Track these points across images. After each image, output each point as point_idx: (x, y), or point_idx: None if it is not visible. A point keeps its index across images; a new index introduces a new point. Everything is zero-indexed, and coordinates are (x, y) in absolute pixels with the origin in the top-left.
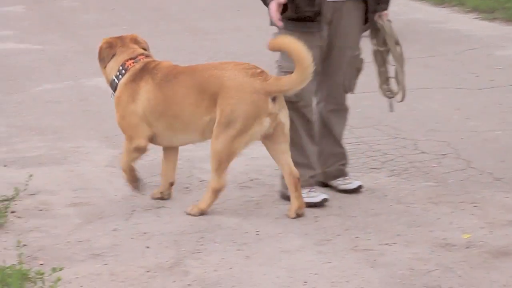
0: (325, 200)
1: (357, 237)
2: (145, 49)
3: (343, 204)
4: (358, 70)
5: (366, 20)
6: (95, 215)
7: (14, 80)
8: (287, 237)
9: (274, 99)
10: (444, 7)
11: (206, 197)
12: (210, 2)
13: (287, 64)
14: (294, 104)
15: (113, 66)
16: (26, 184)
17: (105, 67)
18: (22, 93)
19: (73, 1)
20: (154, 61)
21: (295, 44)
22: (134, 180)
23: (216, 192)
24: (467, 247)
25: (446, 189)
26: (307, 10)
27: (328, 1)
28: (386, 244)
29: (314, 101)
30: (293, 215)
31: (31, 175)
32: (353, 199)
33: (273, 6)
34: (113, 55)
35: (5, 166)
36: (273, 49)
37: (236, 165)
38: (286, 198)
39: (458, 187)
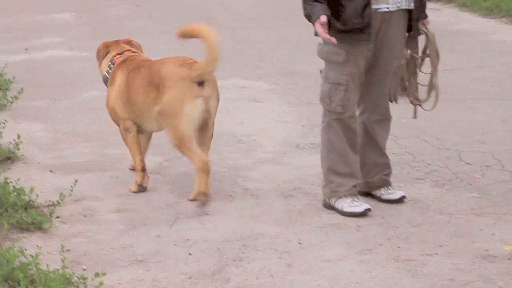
0: (367, 210)
1: (399, 247)
2: (137, 49)
3: (386, 214)
4: (402, 79)
5: (408, 29)
6: (138, 221)
7: (62, 86)
8: (329, 246)
9: (201, 84)
10: (492, 18)
11: (199, 180)
12: (258, 11)
13: (334, 75)
14: (340, 115)
15: (105, 63)
16: (72, 190)
17: (100, 65)
18: (69, 100)
19: (122, 9)
20: (135, 54)
21: (206, 31)
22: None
23: (204, 169)
24: (509, 259)
25: (489, 201)
26: (357, 22)
27: (377, 12)
28: (428, 254)
29: (357, 111)
30: (191, 197)
31: (76, 181)
32: (395, 209)
33: (319, 28)
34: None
35: (51, 171)
36: (184, 36)
37: (280, 174)
38: (329, 207)
39: (501, 199)
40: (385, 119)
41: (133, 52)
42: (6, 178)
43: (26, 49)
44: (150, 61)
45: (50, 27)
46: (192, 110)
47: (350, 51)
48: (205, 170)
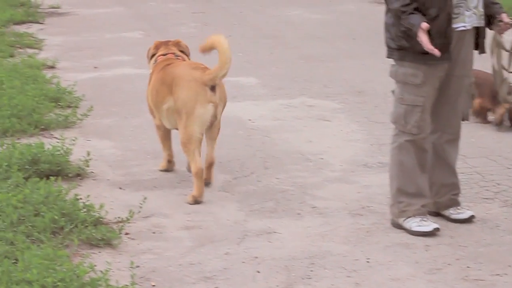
0: (436, 229)
1: (468, 267)
2: (183, 52)
3: (455, 233)
4: (472, 97)
5: (475, 46)
6: (207, 238)
7: (131, 104)
8: (397, 265)
9: (213, 89)
10: None
11: (195, 185)
12: (326, 30)
13: (411, 97)
14: (414, 137)
15: (152, 62)
16: (141, 207)
17: (149, 63)
18: (138, 118)
19: (190, 28)
20: (174, 57)
21: (219, 40)
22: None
23: (198, 175)
24: None
25: None
26: (440, 42)
27: (455, 31)
28: (497, 274)
29: None
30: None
31: (145, 198)
32: (464, 229)
33: (423, 37)
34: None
35: (120, 188)
36: (203, 50)
37: (348, 192)
38: (398, 226)
39: None
40: (456, 138)
41: (176, 55)
42: (76, 195)
43: (96, 67)
44: (170, 65)
45: (119, 46)
46: (204, 114)
47: (428, 73)
48: (199, 176)
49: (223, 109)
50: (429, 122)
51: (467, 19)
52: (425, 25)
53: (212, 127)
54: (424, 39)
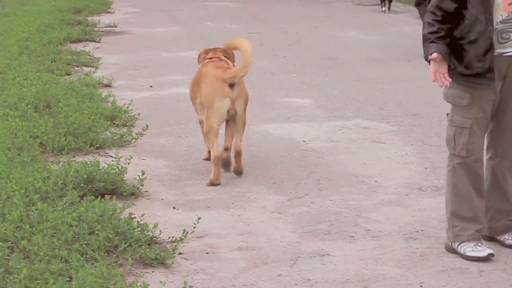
0: (491, 254)
1: None
2: (228, 57)
3: (509, 259)
4: None
5: None
6: (260, 259)
7: (186, 124)
8: None
9: (231, 86)
10: None
11: (212, 170)
12: (381, 52)
13: (459, 119)
14: (464, 159)
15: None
16: (194, 227)
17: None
18: (193, 137)
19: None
20: (218, 61)
21: (244, 43)
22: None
23: (215, 161)
24: None
25: None
26: (478, 66)
27: (503, 56)
28: None
29: (485, 156)
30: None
31: (199, 218)
32: None
33: (432, 66)
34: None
35: (174, 208)
36: (228, 46)
37: (402, 216)
38: (452, 251)
39: None
40: None
41: (220, 59)
42: (130, 214)
43: (151, 86)
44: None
45: (175, 65)
46: (221, 108)
47: (474, 95)
48: (216, 162)
49: (244, 105)
50: (480, 146)
51: None
52: (434, 55)
53: (236, 120)
54: (432, 69)
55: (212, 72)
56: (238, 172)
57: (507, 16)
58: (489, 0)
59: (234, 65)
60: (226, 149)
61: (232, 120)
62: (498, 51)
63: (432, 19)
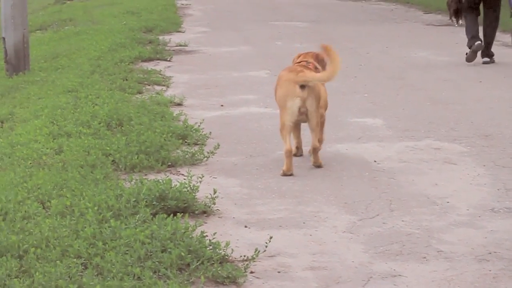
0: None
1: None
2: (319, 62)
3: None
4: None
5: None
6: (332, 279)
7: (257, 143)
8: None
9: (302, 87)
10: None
11: (284, 162)
12: (452, 72)
13: None
14: None
15: None
16: (266, 246)
17: None
18: (264, 156)
19: None
20: (306, 64)
21: (335, 55)
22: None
23: (287, 154)
24: None
25: None
26: None
27: None
28: None
29: None
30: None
31: (271, 237)
32: None
33: None
34: None
35: (245, 227)
36: (324, 50)
37: (475, 237)
38: None
39: None
40: None
41: (308, 62)
42: (202, 232)
43: (222, 105)
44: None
45: (245, 84)
46: (291, 105)
47: None
48: (288, 155)
49: (316, 104)
50: None
51: None
52: None
53: (310, 119)
54: None
55: (285, 76)
56: (317, 166)
57: None
58: None
59: (322, 69)
60: (297, 147)
61: (307, 119)
62: None
63: None
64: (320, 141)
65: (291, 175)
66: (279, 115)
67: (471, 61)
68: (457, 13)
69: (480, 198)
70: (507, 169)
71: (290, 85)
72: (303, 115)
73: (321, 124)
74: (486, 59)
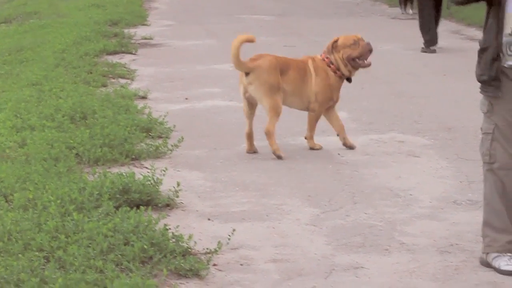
0: None
1: None
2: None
3: None
4: None
5: None
6: (294, 272)
7: (221, 136)
8: None
9: (246, 74)
10: None
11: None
12: (417, 66)
13: (484, 125)
14: (490, 166)
15: None
16: (229, 239)
17: None
18: (228, 149)
19: None
20: (316, 57)
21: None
22: None
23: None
24: None
25: None
26: (484, 74)
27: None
28: None
29: None
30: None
31: (234, 230)
32: None
33: None
34: None
35: (209, 219)
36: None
37: (437, 229)
38: (486, 265)
39: None
40: None
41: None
42: (165, 225)
43: (187, 99)
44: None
45: (210, 77)
46: (240, 91)
47: (493, 103)
48: (245, 137)
49: (258, 90)
50: (505, 154)
51: None
52: None
53: (253, 107)
54: None
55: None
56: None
57: None
58: (502, 10)
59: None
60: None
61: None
62: (508, 63)
63: None
64: (309, 137)
65: (254, 152)
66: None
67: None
68: (406, 1)
69: (443, 191)
70: (470, 161)
71: (240, 73)
72: (249, 101)
73: (312, 118)
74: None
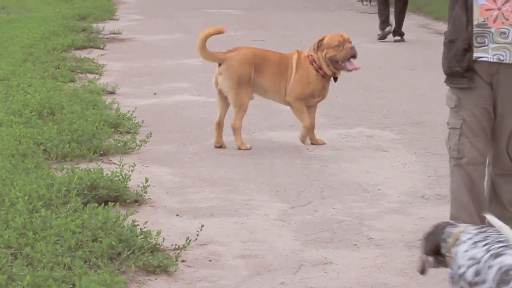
0: None
1: None
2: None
3: None
4: None
5: None
6: (263, 267)
7: (190, 131)
8: None
9: (219, 65)
10: None
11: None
12: (385, 60)
13: (451, 120)
14: (458, 161)
15: None
16: (197, 234)
17: None
18: (196, 145)
19: None
20: (302, 53)
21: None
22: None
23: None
24: None
25: None
26: (456, 65)
27: (481, 61)
28: None
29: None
30: None
31: (202, 226)
32: None
33: None
34: None
35: (177, 215)
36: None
37: (405, 224)
38: None
39: None
40: (508, 174)
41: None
42: (133, 221)
43: (155, 94)
44: None
45: (179, 72)
46: (213, 82)
47: (461, 97)
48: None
49: (229, 84)
50: (473, 149)
51: (490, 50)
52: None
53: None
54: None
55: None
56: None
57: (482, 21)
58: (469, 1)
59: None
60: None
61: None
62: (474, 55)
63: None
64: (305, 133)
65: (220, 147)
66: (215, 103)
67: (383, 39)
68: None
69: (411, 185)
70: (437, 156)
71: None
72: (220, 92)
73: (295, 113)
74: (398, 37)
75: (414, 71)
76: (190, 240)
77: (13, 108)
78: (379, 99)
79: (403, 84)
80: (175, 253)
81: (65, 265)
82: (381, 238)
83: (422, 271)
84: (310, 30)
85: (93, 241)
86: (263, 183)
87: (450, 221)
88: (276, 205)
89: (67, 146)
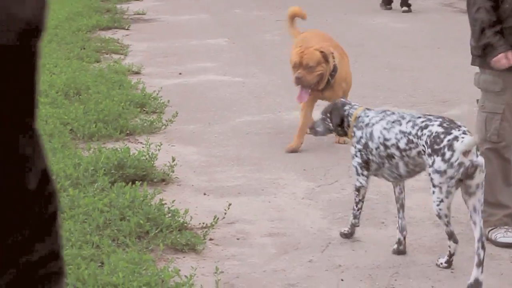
0: None
1: None
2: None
3: None
4: None
5: None
6: (291, 246)
7: (215, 111)
8: None
9: None
10: None
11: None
12: (410, 39)
13: (491, 104)
14: (495, 145)
15: None
16: (225, 213)
17: None
18: (222, 124)
19: (274, 35)
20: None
21: None
22: None
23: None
24: None
25: None
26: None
27: None
28: None
29: None
30: None
31: (229, 204)
32: None
33: (503, 61)
34: None
35: (204, 194)
36: None
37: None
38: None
39: None
40: None
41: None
42: (161, 200)
43: (180, 74)
44: None
45: (204, 52)
46: None
47: (509, 80)
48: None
49: None
50: (510, 132)
51: None
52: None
53: None
54: (503, 62)
55: None
56: None
57: None
58: None
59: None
60: None
61: None
62: None
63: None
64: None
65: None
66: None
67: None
68: None
69: None
70: None
71: None
72: None
73: None
74: (405, 8)
75: (440, 50)
76: (217, 219)
77: (39, 89)
78: (404, 78)
79: (428, 63)
80: (202, 231)
81: (93, 243)
82: (409, 216)
83: (310, 129)
84: (335, 9)
85: (121, 220)
86: (290, 162)
87: (345, 100)
88: (303, 183)
89: (94, 126)
